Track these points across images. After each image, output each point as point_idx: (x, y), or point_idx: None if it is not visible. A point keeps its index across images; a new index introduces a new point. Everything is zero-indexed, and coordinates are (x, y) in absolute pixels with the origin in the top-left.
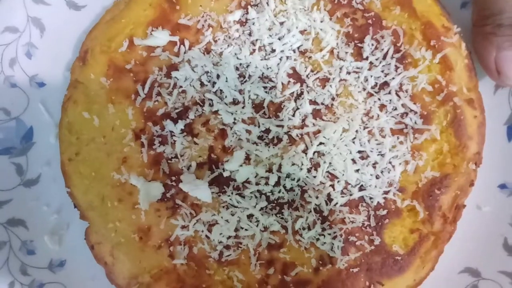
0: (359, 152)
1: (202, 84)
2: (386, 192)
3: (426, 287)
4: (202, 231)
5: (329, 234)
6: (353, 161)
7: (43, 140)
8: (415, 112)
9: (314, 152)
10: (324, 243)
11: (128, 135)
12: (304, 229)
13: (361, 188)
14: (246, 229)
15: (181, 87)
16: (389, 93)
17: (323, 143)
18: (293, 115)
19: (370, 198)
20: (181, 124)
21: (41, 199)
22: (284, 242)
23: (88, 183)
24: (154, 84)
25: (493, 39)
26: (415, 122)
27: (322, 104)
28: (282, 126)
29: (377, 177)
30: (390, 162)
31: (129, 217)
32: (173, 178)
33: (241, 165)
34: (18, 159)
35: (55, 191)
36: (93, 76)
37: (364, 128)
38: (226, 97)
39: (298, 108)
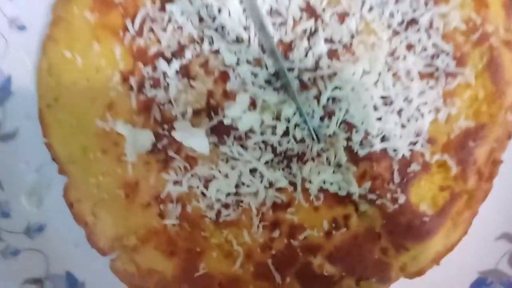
0: (382, 97)
1: (201, 19)
2: (413, 143)
3: (458, 255)
4: (198, 187)
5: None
6: (375, 107)
7: (22, 90)
8: (447, 53)
9: (328, 99)
10: (332, 183)
11: (115, 77)
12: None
13: (384, 139)
14: (248, 185)
15: (176, 22)
16: (418, 31)
17: (339, 87)
18: (306, 56)
19: (394, 150)
20: (176, 64)
21: (19, 156)
22: (291, 201)
23: (68, 132)
24: (145, 19)
25: None
26: (447, 65)
27: (340, 42)
28: (293, 69)
29: (403, 126)
30: (418, 109)
31: (114, 170)
32: (166, 126)
33: (244, 112)
34: None
35: (35, 147)
36: (77, 11)
37: (388, 70)
38: (228, 34)
39: (311, 48)
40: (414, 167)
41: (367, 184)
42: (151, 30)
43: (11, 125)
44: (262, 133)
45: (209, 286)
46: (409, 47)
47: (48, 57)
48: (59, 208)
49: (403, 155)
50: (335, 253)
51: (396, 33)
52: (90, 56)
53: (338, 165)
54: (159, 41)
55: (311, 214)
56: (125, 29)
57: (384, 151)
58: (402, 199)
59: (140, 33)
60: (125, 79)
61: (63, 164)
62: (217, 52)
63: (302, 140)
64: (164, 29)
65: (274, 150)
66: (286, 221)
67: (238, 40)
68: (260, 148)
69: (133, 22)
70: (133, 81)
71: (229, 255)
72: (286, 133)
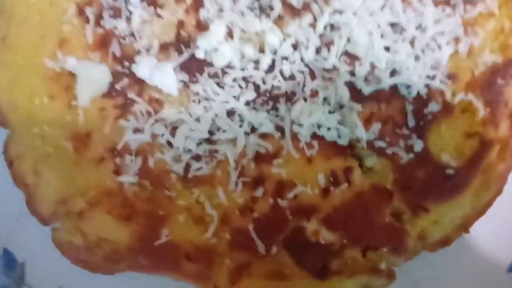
0: (391, 25)
1: None
2: (430, 78)
3: (490, 221)
4: (163, 135)
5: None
6: (382, 35)
7: None
8: None
9: (326, 26)
10: (329, 128)
11: (70, 10)
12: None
13: (394, 73)
14: (224, 131)
15: None
16: None
17: (339, 11)
18: None
19: (407, 87)
20: None
21: None
22: (279, 151)
23: (14, 75)
24: None
25: None
26: None
27: None
28: None
29: (417, 57)
30: (434, 39)
31: (62, 118)
32: (126, 63)
33: (220, 43)
34: None
35: None
36: None
37: None
38: None
39: None
40: (433, 107)
41: (376, 127)
42: None
43: None
44: (242, 69)
45: (172, 257)
46: None
47: None
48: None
49: (418, 93)
50: (334, 216)
51: None
52: None
53: (340, 106)
54: None
55: (304, 167)
56: None
57: (394, 88)
58: (418, 146)
59: None
60: (81, 11)
61: (4, 114)
62: None
63: (292, 77)
64: None
65: (257, 89)
66: (272, 177)
67: None
68: (240, 86)
69: None
70: (89, 11)
71: (200, 220)
72: (272, 68)
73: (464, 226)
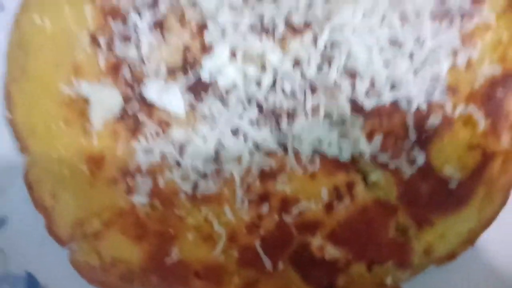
0: (389, 40)
1: None
2: (430, 93)
3: (497, 233)
4: (172, 154)
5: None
6: (381, 50)
7: None
8: None
9: (326, 45)
10: (331, 144)
11: (84, 38)
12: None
13: (394, 87)
14: (229, 149)
15: None
16: None
17: (338, 30)
18: None
19: (408, 101)
20: (148, 17)
21: None
22: (282, 168)
23: (32, 103)
24: None
25: None
26: (461, 4)
27: None
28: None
29: (416, 71)
30: (432, 52)
31: (77, 142)
32: (137, 87)
33: (224, 64)
34: None
35: None
36: None
37: (394, 11)
38: None
39: None
40: (434, 120)
41: (378, 141)
42: None
43: None
44: (245, 89)
45: (182, 275)
46: None
47: (19, 27)
48: (24, 200)
49: (419, 107)
50: (339, 232)
51: None
52: (60, 20)
53: (342, 121)
54: None
55: (307, 183)
56: None
57: (395, 104)
58: (421, 159)
59: None
60: (94, 39)
61: (24, 140)
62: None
63: (293, 94)
64: None
65: (259, 107)
66: (276, 193)
67: None
68: (243, 105)
69: None
70: (102, 38)
71: (208, 238)
72: (273, 86)
73: (470, 239)
